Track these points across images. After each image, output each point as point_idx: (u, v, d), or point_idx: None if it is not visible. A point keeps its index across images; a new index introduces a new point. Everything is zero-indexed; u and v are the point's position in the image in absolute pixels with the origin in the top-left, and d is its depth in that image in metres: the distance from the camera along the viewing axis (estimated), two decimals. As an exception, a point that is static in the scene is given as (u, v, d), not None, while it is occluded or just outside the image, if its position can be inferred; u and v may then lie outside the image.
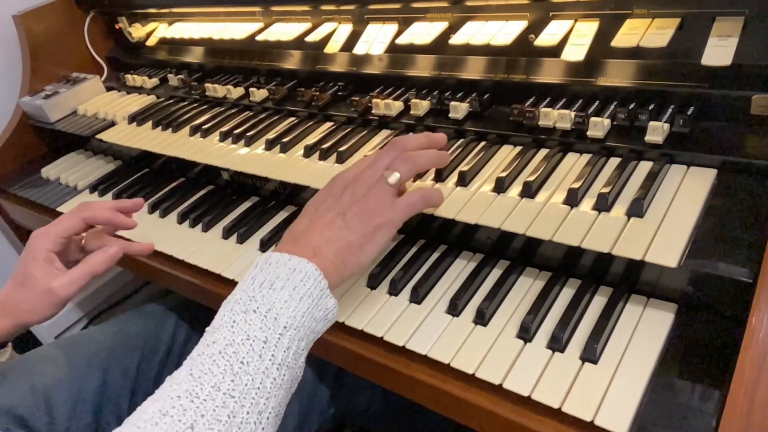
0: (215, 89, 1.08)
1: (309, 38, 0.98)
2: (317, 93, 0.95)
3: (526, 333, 0.57)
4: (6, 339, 0.75)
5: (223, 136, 0.96)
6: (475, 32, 0.80)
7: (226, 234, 0.85)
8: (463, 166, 0.71)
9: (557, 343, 0.55)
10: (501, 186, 0.67)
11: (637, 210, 0.58)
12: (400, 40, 0.87)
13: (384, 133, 0.86)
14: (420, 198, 0.63)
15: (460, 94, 0.82)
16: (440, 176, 0.72)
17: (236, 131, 0.95)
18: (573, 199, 0.62)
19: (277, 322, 0.50)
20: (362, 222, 0.59)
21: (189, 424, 0.43)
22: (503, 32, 0.77)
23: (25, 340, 1.45)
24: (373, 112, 0.87)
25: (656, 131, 0.63)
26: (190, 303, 0.91)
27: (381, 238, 0.60)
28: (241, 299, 0.52)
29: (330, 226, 0.58)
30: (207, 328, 0.51)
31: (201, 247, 0.84)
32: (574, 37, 0.72)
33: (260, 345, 0.48)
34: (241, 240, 0.83)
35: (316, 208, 0.61)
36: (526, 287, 0.64)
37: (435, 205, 0.66)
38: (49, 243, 0.74)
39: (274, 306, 0.51)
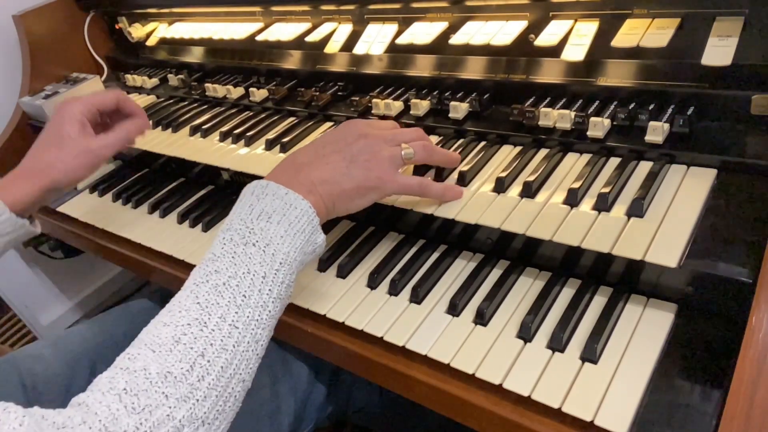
0: (215, 89, 1.08)
1: (309, 38, 0.98)
2: (317, 93, 0.95)
3: (526, 333, 0.57)
4: (36, 205, 0.76)
5: (223, 136, 0.96)
6: (475, 32, 0.80)
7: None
8: (463, 166, 0.71)
9: (557, 343, 0.55)
10: (501, 186, 0.67)
11: (637, 210, 0.58)
12: (400, 40, 0.87)
13: (384, 133, 0.86)
14: (418, 185, 0.66)
15: (460, 94, 0.82)
16: (440, 176, 0.72)
17: (236, 131, 0.95)
18: (573, 199, 0.62)
19: (274, 258, 0.54)
20: (363, 176, 0.62)
21: (200, 352, 0.48)
22: (503, 32, 0.77)
23: (22, 338, 1.46)
24: (373, 112, 0.87)
25: (656, 131, 0.63)
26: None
27: (370, 197, 0.63)
28: (239, 229, 0.55)
29: (333, 168, 0.61)
30: (206, 254, 0.55)
31: (201, 247, 0.84)
32: (574, 37, 0.72)
33: (260, 280, 0.52)
34: (241, 240, 0.83)
35: (323, 145, 0.64)
36: (526, 287, 0.64)
37: (429, 196, 0.68)
38: (85, 109, 0.76)
39: (272, 241, 0.54)
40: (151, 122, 0.85)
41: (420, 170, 0.74)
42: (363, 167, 0.62)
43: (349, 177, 0.61)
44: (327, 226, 0.82)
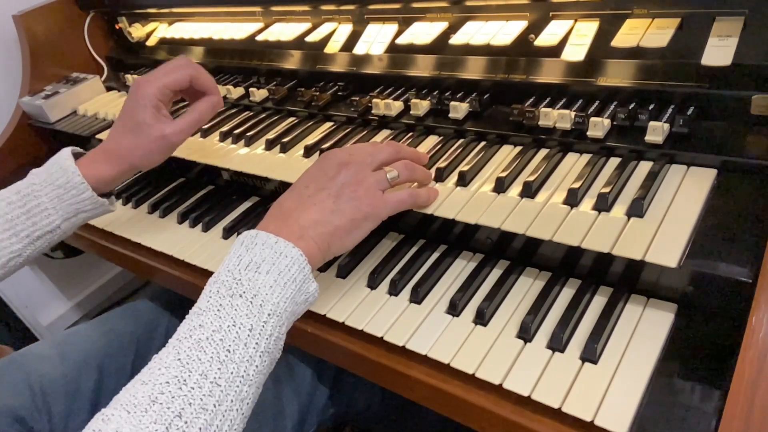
0: (215, 89, 1.08)
1: (309, 38, 0.98)
2: (317, 93, 0.95)
3: (526, 333, 0.57)
4: (116, 184, 0.78)
5: (223, 136, 0.96)
6: (475, 32, 0.80)
7: (227, 234, 0.85)
8: (463, 166, 0.71)
9: (557, 343, 0.55)
10: (501, 186, 0.67)
11: (637, 210, 0.58)
12: (400, 40, 0.87)
13: (384, 133, 0.86)
14: (409, 196, 0.65)
15: (460, 94, 0.82)
16: (440, 176, 0.72)
17: (236, 131, 0.95)
18: (573, 199, 0.62)
19: (262, 309, 0.51)
20: (353, 208, 0.60)
21: (177, 412, 0.45)
22: (503, 32, 0.77)
23: (22, 338, 1.46)
24: (373, 112, 0.87)
25: (656, 131, 0.63)
26: (183, 300, 0.91)
27: (366, 226, 0.61)
28: (226, 281, 0.52)
29: (320, 208, 0.59)
30: (192, 309, 0.52)
31: (201, 247, 0.84)
32: (574, 37, 0.72)
33: (246, 333, 0.50)
34: (241, 240, 0.83)
35: (306, 185, 0.62)
36: (526, 287, 0.64)
37: (422, 205, 0.67)
38: (158, 92, 0.76)
39: (259, 292, 0.52)
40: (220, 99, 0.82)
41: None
42: (351, 198, 0.60)
43: (340, 213, 0.59)
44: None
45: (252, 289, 0.52)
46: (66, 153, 0.75)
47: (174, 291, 0.88)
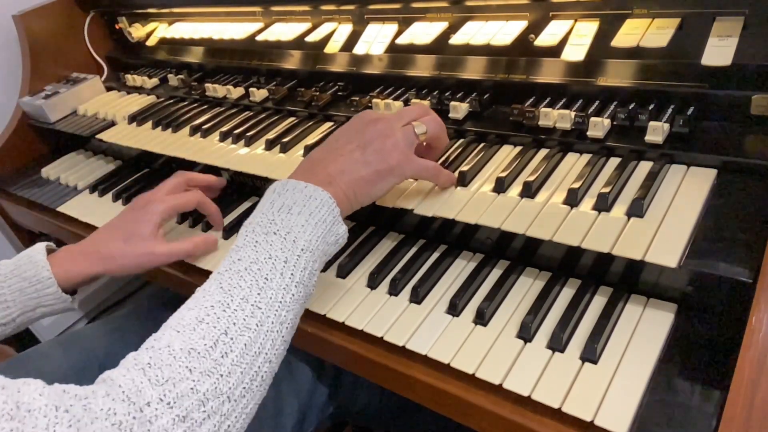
0: (215, 89, 1.08)
1: (309, 38, 0.98)
2: (317, 93, 0.95)
3: (526, 333, 0.57)
4: (87, 282, 0.77)
5: (223, 136, 0.96)
6: (475, 32, 0.80)
7: (227, 234, 0.85)
8: (463, 166, 0.71)
9: (557, 343, 0.55)
10: (501, 186, 0.67)
11: (637, 210, 0.58)
12: (400, 40, 0.87)
13: (384, 133, 0.86)
14: (434, 168, 0.67)
15: (460, 94, 0.82)
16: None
17: (236, 131, 0.95)
18: (573, 199, 0.62)
19: (295, 245, 0.55)
20: (379, 159, 0.62)
21: (223, 330, 0.49)
22: (503, 32, 0.77)
23: (23, 338, 1.46)
24: (373, 112, 0.87)
25: (656, 131, 0.63)
26: (186, 300, 0.91)
27: (391, 180, 0.64)
28: (261, 222, 0.56)
29: (348, 158, 0.62)
30: (231, 248, 0.56)
31: (201, 247, 0.84)
32: (574, 37, 0.72)
33: (281, 264, 0.53)
34: (241, 240, 0.83)
35: (336, 139, 0.65)
36: (526, 287, 0.64)
37: (442, 184, 0.69)
38: (166, 213, 0.77)
39: (292, 229, 0.55)
40: (219, 218, 0.86)
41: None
42: (378, 152, 0.62)
43: (366, 164, 0.62)
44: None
45: (285, 227, 0.55)
46: (39, 247, 0.75)
47: (176, 292, 0.88)
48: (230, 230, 0.85)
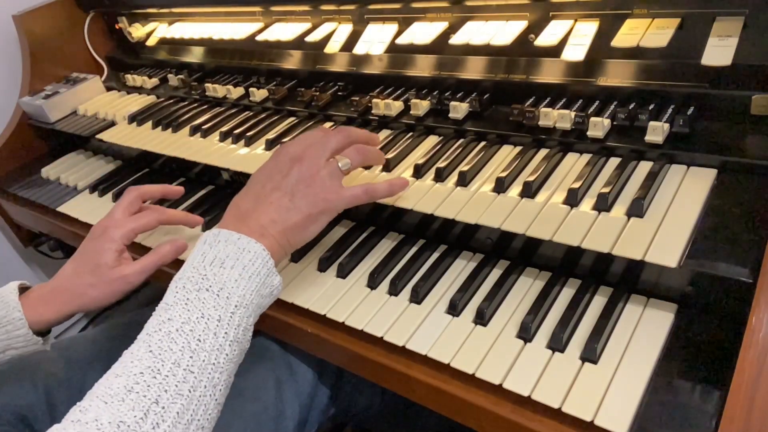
0: (215, 89, 1.08)
1: (309, 38, 0.98)
2: (317, 93, 0.95)
3: (526, 333, 0.57)
4: (61, 321, 0.75)
5: (223, 136, 0.96)
6: (475, 32, 0.80)
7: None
8: (463, 166, 0.71)
9: (557, 343, 0.55)
10: (501, 186, 0.67)
11: (637, 210, 0.58)
12: (400, 40, 0.87)
13: (384, 132, 0.86)
14: (364, 192, 0.65)
15: (460, 94, 0.82)
16: (440, 176, 0.72)
17: (236, 131, 0.95)
18: (573, 199, 0.62)
19: (228, 301, 0.53)
20: (309, 203, 0.61)
21: (154, 399, 0.47)
22: (503, 32, 0.77)
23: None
24: (373, 112, 0.87)
25: (656, 131, 0.63)
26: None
27: (323, 220, 0.63)
28: (192, 277, 0.54)
29: (277, 207, 0.61)
30: (159, 304, 0.54)
31: (201, 247, 0.84)
32: (574, 37, 0.72)
33: (215, 323, 0.51)
34: (241, 240, 0.83)
35: (262, 185, 0.63)
36: (526, 287, 0.64)
37: (382, 197, 0.68)
38: (125, 238, 0.75)
39: (225, 285, 0.53)
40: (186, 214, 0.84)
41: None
42: (306, 195, 0.61)
43: (296, 210, 0.61)
44: (327, 226, 0.82)
45: (218, 283, 0.53)
46: (12, 287, 0.73)
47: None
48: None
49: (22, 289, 0.75)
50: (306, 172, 0.62)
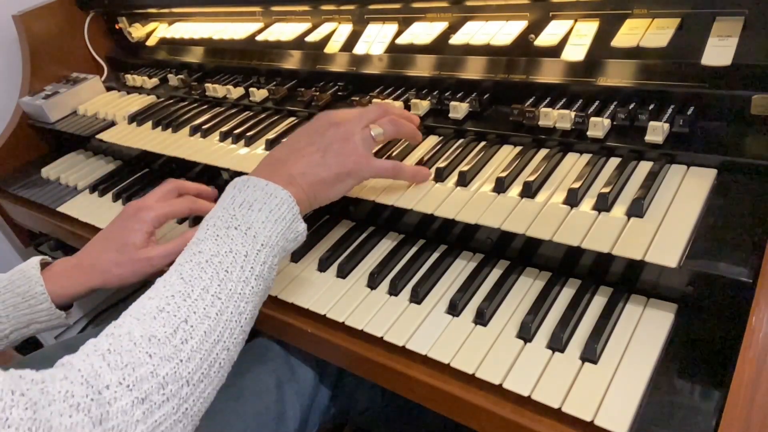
0: (215, 89, 1.08)
1: (309, 38, 0.98)
2: (317, 93, 0.95)
3: (526, 333, 0.57)
4: (83, 296, 0.76)
5: (223, 136, 0.96)
6: (475, 32, 0.80)
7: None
8: (463, 166, 0.71)
9: (557, 343, 0.55)
10: (501, 186, 0.67)
11: (637, 210, 0.58)
12: (400, 40, 0.87)
13: (384, 133, 0.86)
14: (392, 167, 0.69)
15: (460, 94, 0.82)
16: (440, 176, 0.72)
17: (236, 131, 0.95)
18: (573, 199, 0.62)
19: (255, 240, 0.56)
20: (338, 162, 0.64)
21: (183, 318, 0.50)
22: (503, 32, 0.77)
23: (26, 342, 1.45)
24: (373, 112, 0.87)
25: (656, 131, 0.63)
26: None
27: (349, 182, 0.66)
28: (222, 216, 0.57)
29: (308, 160, 0.64)
30: (190, 241, 0.57)
31: (201, 247, 0.84)
32: (574, 37, 0.72)
33: (242, 258, 0.55)
34: (241, 240, 0.83)
35: (297, 140, 0.67)
36: (526, 287, 0.64)
37: (405, 179, 0.71)
38: (157, 221, 0.76)
39: (252, 225, 0.56)
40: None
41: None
42: (337, 154, 0.64)
43: (326, 166, 0.63)
44: (327, 226, 0.82)
45: (245, 222, 0.56)
46: (33, 262, 0.74)
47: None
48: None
49: (43, 265, 0.75)
50: (341, 135, 0.65)
